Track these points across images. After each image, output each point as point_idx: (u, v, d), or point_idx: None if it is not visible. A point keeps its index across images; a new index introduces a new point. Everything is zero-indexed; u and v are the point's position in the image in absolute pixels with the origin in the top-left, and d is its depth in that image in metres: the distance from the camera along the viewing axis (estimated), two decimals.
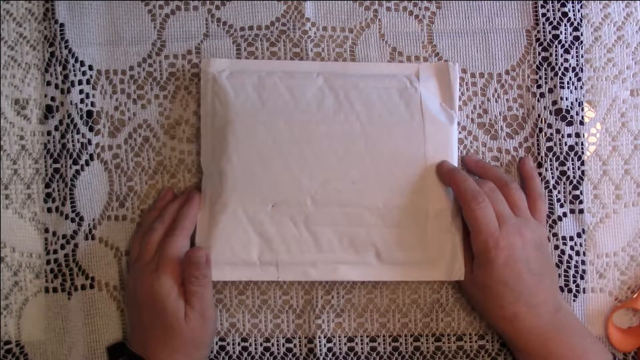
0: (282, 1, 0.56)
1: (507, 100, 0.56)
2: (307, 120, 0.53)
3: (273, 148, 0.52)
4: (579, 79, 0.56)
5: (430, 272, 0.53)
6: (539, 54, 0.56)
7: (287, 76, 0.54)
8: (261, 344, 0.56)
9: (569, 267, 0.55)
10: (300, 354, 0.56)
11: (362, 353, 0.55)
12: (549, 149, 0.55)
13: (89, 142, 0.56)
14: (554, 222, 0.55)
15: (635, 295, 0.55)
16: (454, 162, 0.53)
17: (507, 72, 0.56)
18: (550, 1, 0.56)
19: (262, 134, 0.52)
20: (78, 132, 0.56)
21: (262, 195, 0.52)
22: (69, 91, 0.56)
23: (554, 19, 0.56)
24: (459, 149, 0.55)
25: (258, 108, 0.53)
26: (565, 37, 0.56)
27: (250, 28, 0.57)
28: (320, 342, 0.55)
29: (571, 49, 0.56)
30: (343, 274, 0.53)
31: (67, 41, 0.56)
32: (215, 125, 0.53)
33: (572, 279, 0.55)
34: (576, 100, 0.55)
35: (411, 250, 0.52)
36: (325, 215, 0.52)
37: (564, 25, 0.56)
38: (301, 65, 0.55)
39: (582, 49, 0.56)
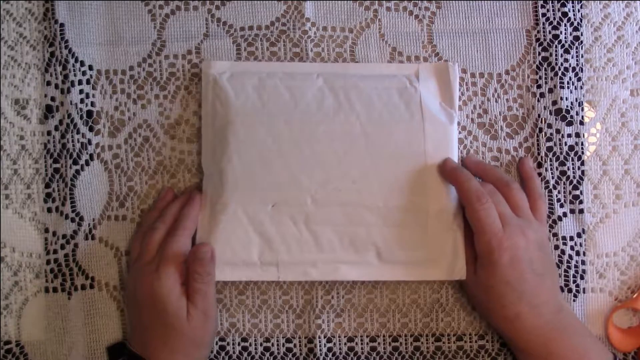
0: (282, 1, 0.56)
1: (507, 100, 0.56)
2: (307, 120, 0.53)
3: (273, 148, 0.52)
4: (579, 79, 0.56)
5: (431, 272, 0.53)
6: (539, 54, 0.56)
7: (287, 77, 0.54)
8: (261, 344, 0.56)
9: (569, 267, 0.55)
10: (300, 354, 0.56)
11: (362, 353, 0.55)
12: (549, 149, 0.55)
13: (89, 142, 0.56)
14: (554, 222, 0.55)
15: (635, 295, 0.55)
16: (454, 160, 0.53)
17: (507, 72, 0.56)
18: (550, 1, 0.56)
19: (262, 134, 0.52)
20: (78, 132, 0.56)
21: (263, 195, 0.52)
22: (69, 91, 0.56)
23: (554, 19, 0.56)
24: (458, 149, 0.55)
25: (258, 109, 0.53)
26: (565, 37, 0.56)
27: (250, 28, 0.57)
28: (320, 342, 0.55)
29: (571, 49, 0.56)
30: (344, 274, 0.53)
31: (67, 41, 0.56)
32: (216, 126, 0.53)
33: (572, 279, 0.55)
34: (576, 100, 0.55)
35: (412, 249, 0.52)
36: (326, 214, 0.52)
37: (564, 25, 0.56)
38: (301, 67, 0.55)
39: (582, 49, 0.56)
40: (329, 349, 0.55)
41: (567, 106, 0.55)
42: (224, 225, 0.52)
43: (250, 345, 0.56)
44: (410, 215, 0.52)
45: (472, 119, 0.56)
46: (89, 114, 0.56)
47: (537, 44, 0.56)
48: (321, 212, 0.52)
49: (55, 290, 0.56)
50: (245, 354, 0.56)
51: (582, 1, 0.56)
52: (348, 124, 0.53)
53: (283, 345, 0.56)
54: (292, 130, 0.52)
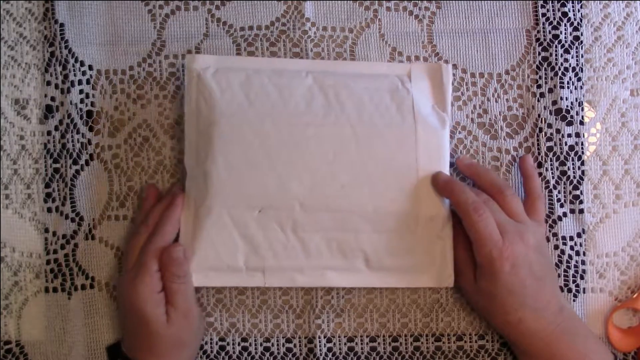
0: (282, 1, 0.56)
1: (507, 100, 0.56)
2: (296, 121, 0.51)
3: (260, 150, 0.50)
4: (579, 79, 0.56)
5: (419, 279, 0.52)
6: (539, 54, 0.56)
7: (275, 75, 0.52)
8: (261, 344, 0.56)
9: (569, 267, 0.55)
10: (300, 354, 0.56)
11: (362, 353, 0.55)
12: (549, 148, 0.55)
13: (89, 142, 0.56)
14: (554, 222, 0.55)
15: (635, 295, 0.55)
16: (446, 165, 0.52)
17: (507, 72, 0.56)
18: (550, 1, 0.56)
19: (248, 135, 0.50)
20: (78, 132, 0.56)
21: (249, 200, 0.50)
22: (69, 91, 0.56)
23: (554, 19, 0.56)
24: (458, 149, 0.55)
25: (245, 108, 0.51)
26: (565, 37, 0.56)
27: (250, 28, 0.57)
28: (320, 342, 0.55)
29: (571, 49, 0.56)
30: (331, 280, 0.52)
31: (67, 41, 0.56)
32: (200, 125, 0.51)
33: (572, 279, 0.55)
34: (576, 100, 0.55)
35: (400, 256, 0.51)
36: (314, 220, 0.51)
37: (564, 25, 0.56)
38: (290, 63, 0.54)
39: (582, 49, 0.56)
40: (329, 349, 0.55)
41: (567, 106, 0.55)
42: (209, 229, 0.51)
43: (250, 345, 0.56)
44: (400, 221, 0.51)
45: (472, 119, 0.56)
46: (89, 114, 0.56)
47: (537, 44, 0.56)
48: (309, 217, 0.51)
49: (55, 290, 0.56)
50: (245, 354, 0.56)
51: (582, 1, 0.56)
52: (338, 126, 0.51)
53: (283, 345, 0.56)
54: (280, 131, 0.51)
